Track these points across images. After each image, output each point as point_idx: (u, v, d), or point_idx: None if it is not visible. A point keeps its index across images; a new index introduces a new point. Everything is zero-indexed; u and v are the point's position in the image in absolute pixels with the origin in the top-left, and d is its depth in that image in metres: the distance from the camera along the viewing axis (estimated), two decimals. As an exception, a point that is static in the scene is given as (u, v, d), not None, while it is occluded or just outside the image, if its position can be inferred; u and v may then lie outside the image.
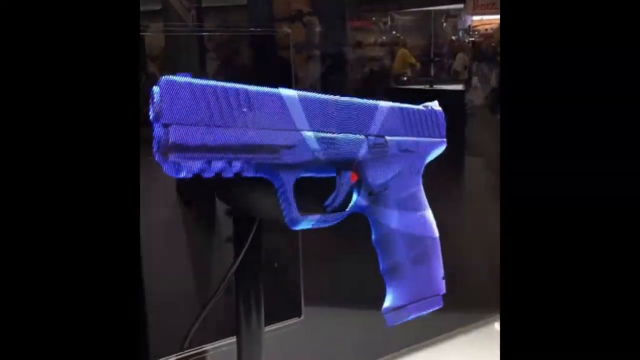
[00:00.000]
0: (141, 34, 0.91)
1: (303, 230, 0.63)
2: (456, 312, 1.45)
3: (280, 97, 0.57)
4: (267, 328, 0.78)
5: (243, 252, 0.71)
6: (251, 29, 1.12)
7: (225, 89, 0.53)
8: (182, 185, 1.01)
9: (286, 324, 1.05)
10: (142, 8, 0.93)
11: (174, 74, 0.50)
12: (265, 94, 0.56)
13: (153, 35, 0.97)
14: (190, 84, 0.50)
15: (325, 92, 0.62)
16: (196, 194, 1.02)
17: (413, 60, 1.90)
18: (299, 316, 1.07)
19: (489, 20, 1.96)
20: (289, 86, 0.59)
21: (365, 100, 0.65)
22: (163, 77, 0.49)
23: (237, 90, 0.54)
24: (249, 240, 0.71)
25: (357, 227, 0.69)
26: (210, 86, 0.52)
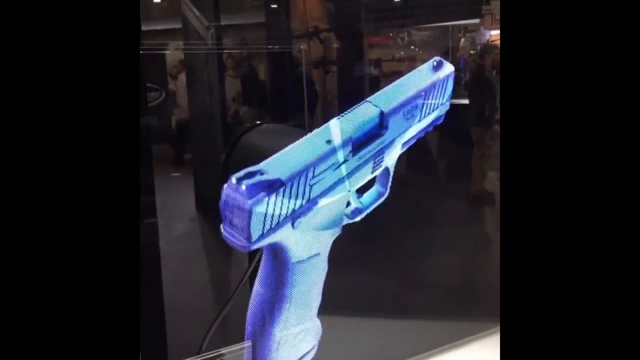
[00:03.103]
0: (162, 51, 0.95)
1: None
2: (457, 323, 1.44)
3: None
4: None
5: (257, 257, 0.73)
6: (269, 46, 1.15)
7: None
8: (200, 199, 1.04)
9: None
10: (162, 27, 0.97)
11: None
12: None
13: (173, 53, 1.00)
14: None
15: (345, 107, 0.60)
16: (213, 205, 1.05)
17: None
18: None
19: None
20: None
21: None
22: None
23: None
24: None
25: (368, 237, 0.70)
26: None
